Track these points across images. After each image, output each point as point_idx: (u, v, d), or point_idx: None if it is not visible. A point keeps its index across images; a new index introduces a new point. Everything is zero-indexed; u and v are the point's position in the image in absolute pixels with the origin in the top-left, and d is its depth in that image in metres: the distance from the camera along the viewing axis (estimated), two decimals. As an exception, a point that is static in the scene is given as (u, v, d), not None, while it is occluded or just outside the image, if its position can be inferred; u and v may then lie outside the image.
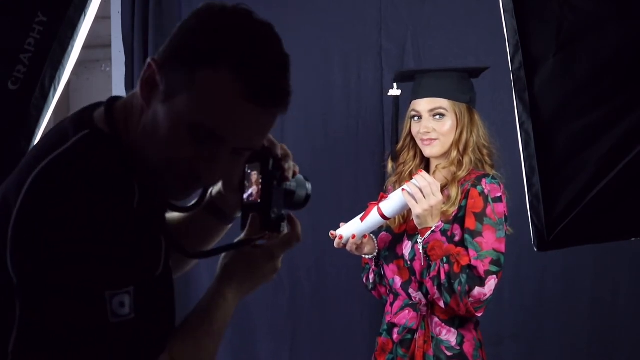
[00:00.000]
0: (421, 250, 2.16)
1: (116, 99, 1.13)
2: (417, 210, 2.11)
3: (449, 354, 2.18)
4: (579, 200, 2.14)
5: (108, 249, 0.96)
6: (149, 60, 1.07)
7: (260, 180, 1.18)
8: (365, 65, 3.18)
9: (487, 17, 2.85)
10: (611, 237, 2.34)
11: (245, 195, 1.20)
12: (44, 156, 1.02)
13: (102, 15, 2.89)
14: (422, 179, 2.12)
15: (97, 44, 3.69)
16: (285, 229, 1.21)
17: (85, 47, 2.24)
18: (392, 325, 2.27)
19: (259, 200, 1.17)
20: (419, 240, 2.17)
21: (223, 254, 1.18)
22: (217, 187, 1.31)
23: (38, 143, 1.11)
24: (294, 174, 1.26)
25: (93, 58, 4.58)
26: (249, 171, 1.20)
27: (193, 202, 1.30)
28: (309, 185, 1.28)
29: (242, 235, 1.18)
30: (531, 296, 3.10)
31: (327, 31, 3.20)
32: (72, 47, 2.13)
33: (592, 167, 2.12)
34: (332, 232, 2.25)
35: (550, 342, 3.10)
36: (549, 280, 3.09)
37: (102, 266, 0.96)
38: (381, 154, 3.11)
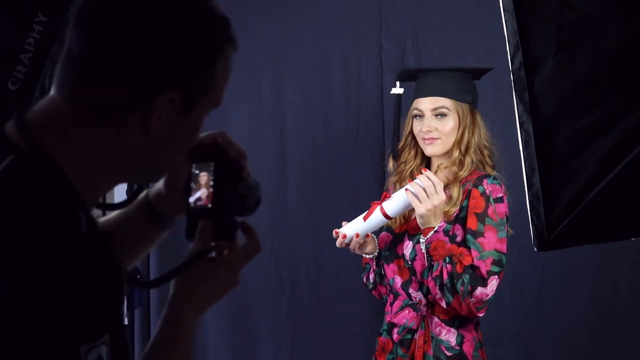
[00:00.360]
0: (424, 250, 2.15)
1: (24, 110, 0.94)
2: (420, 209, 2.11)
3: (448, 354, 2.18)
4: (579, 200, 2.14)
5: (71, 294, 0.80)
6: (161, 98, 0.92)
7: (212, 182, 1.06)
8: (365, 65, 3.18)
9: (487, 17, 2.85)
10: (611, 237, 2.34)
11: (192, 199, 1.06)
12: None
13: (102, 15, 2.90)
14: (425, 178, 2.12)
15: (97, 44, 3.69)
16: (235, 238, 1.08)
17: (85, 47, 2.24)
18: (392, 325, 2.27)
19: (210, 205, 1.05)
20: (421, 240, 2.17)
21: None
22: (155, 188, 1.17)
23: None
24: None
25: (93, 58, 4.59)
26: (197, 172, 1.07)
27: (124, 200, 1.15)
28: (260, 191, 1.15)
29: (193, 248, 1.04)
30: (531, 296, 3.10)
31: (327, 31, 3.20)
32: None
33: (592, 167, 2.12)
34: (336, 230, 2.24)
35: (550, 342, 3.10)
36: (549, 280, 3.09)
37: (71, 316, 0.80)
38: (381, 153, 3.12)
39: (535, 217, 2.17)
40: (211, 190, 1.06)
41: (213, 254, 1.05)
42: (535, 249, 2.22)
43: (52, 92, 0.95)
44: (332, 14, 3.20)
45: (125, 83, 0.91)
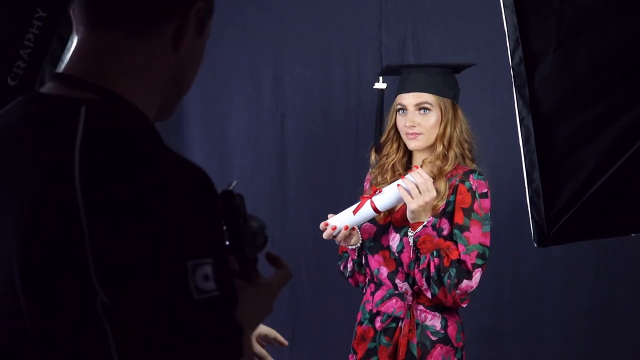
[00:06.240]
0: (412, 244, 2.20)
1: (72, 77, 0.98)
2: (412, 205, 2.15)
3: (434, 338, 2.23)
4: (579, 195, 2.15)
5: (184, 213, 0.86)
6: (195, 9, 1.00)
7: (224, 220, 1.02)
8: (365, 61, 3.18)
9: (487, 12, 2.85)
10: (611, 233, 2.35)
11: None
12: (60, 155, 0.88)
13: (102, 11, 2.89)
14: (418, 175, 2.16)
15: (96, 39, 3.69)
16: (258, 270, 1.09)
17: (85, 42, 2.24)
18: (375, 314, 2.31)
19: (227, 242, 1.02)
20: (409, 234, 2.20)
21: None
22: None
23: (11, 145, 0.95)
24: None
25: (93, 54, 4.58)
26: None
27: None
28: (267, 230, 1.16)
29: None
30: (531, 292, 3.11)
31: (328, 27, 3.20)
32: (72, 42, 2.13)
33: (592, 163, 2.12)
34: (325, 222, 2.28)
35: (550, 338, 3.11)
36: (549, 275, 3.09)
37: (180, 233, 0.85)
38: (381, 149, 3.12)
39: (535, 212, 2.18)
40: (225, 228, 1.03)
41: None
42: (535, 245, 2.23)
43: (79, 36, 0.98)
44: (332, 10, 3.20)
45: None
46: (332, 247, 2.96)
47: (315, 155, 3.24)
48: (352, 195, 3.16)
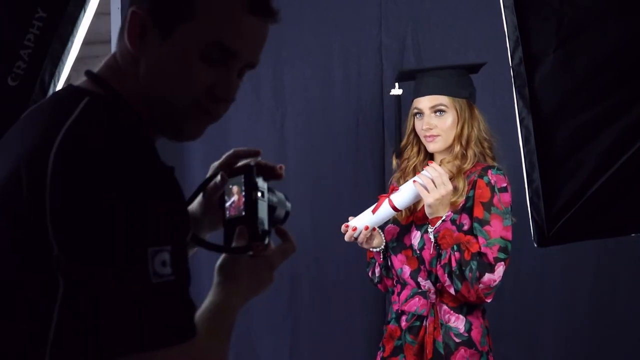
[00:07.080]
0: (432, 239, 2.21)
1: (90, 71, 1.13)
2: (429, 199, 2.18)
3: (457, 340, 2.24)
4: (579, 195, 2.15)
5: (148, 205, 0.94)
6: (132, 9, 1.06)
7: (243, 193, 1.16)
8: (365, 61, 3.18)
9: (487, 13, 2.85)
10: (611, 233, 2.35)
11: (227, 211, 1.17)
12: (50, 132, 0.98)
13: (102, 11, 2.89)
14: (433, 169, 2.20)
15: (96, 40, 3.69)
16: (269, 242, 1.18)
17: (85, 43, 2.24)
18: (401, 314, 2.33)
19: (244, 213, 1.15)
20: (429, 230, 2.23)
21: (220, 262, 1.16)
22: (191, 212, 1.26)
23: (22, 127, 1.09)
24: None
25: (93, 54, 4.58)
26: (230, 186, 1.19)
27: None
28: (288, 204, 1.25)
29: (235, 244, 1.16)
30: (532, 291, 3.10)
31: (328, 27, 3.20)
32: (72, 43, 2.13)
33: (592, 163, 2.12)
34: (345, 224, 2.29)
35: (550, 339, 3.10)
36: (550, 275, 3.09)
37: (143, 222, 0.93)
38: (381, 149, 3.12)
39: (535, 213, 2.19)
40: (243, 200, 1.15)
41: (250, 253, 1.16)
42: (535, 245, 2.23)
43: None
44: (332, 10, 3.19)
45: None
46: (332, 248, 2.96)
47: (315, 155, 3.23)
48: (351, 195, 3.17)
